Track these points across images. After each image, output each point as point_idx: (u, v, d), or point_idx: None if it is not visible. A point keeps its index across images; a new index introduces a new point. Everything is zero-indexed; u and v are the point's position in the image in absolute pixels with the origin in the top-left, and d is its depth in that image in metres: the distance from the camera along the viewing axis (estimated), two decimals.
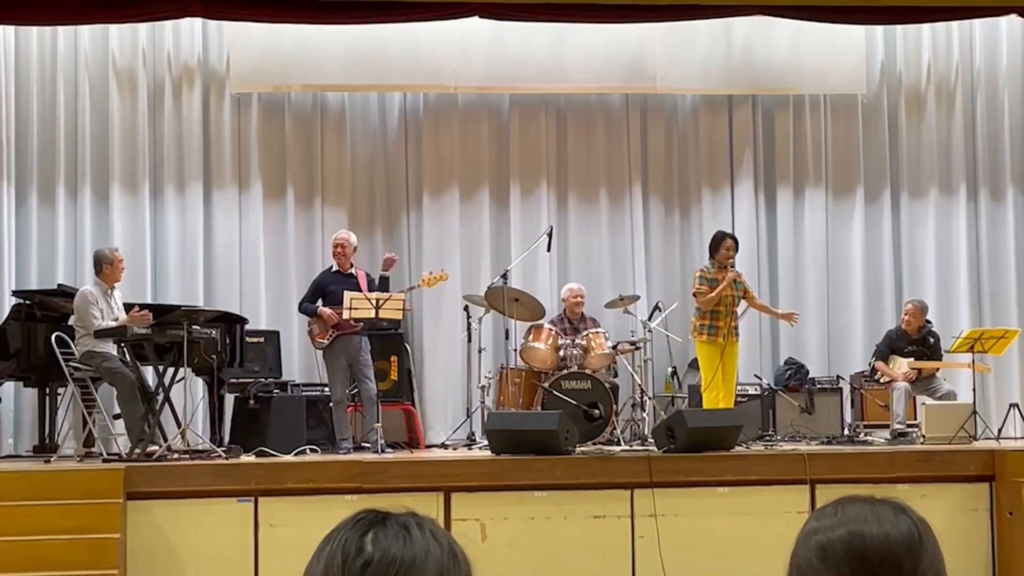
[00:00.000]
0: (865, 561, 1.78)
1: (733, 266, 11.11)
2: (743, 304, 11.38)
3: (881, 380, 11.95)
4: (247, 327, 11.77)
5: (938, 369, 11.93)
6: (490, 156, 13.31)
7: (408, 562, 1.68)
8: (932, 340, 11.96)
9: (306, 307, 11.21)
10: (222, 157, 12.91)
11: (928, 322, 12.16)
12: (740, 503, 9.65)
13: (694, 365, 12.76)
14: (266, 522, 9.28)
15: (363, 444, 11.16)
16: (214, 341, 10.70)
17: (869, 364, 12.32)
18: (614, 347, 11.83)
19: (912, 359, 11.75)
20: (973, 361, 11.44)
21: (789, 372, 12.82)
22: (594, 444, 10.84)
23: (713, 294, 10.83)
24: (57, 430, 11.28)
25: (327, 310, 10.90)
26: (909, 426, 11.42)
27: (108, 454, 10.51)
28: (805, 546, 1.84)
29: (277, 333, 12.43)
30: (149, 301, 12.05)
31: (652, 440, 10.49)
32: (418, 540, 1.71)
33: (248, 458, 10.22)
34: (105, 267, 10.60)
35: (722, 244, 11.11)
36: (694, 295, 11.02)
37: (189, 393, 10.54)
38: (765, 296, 13.28)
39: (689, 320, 11.43)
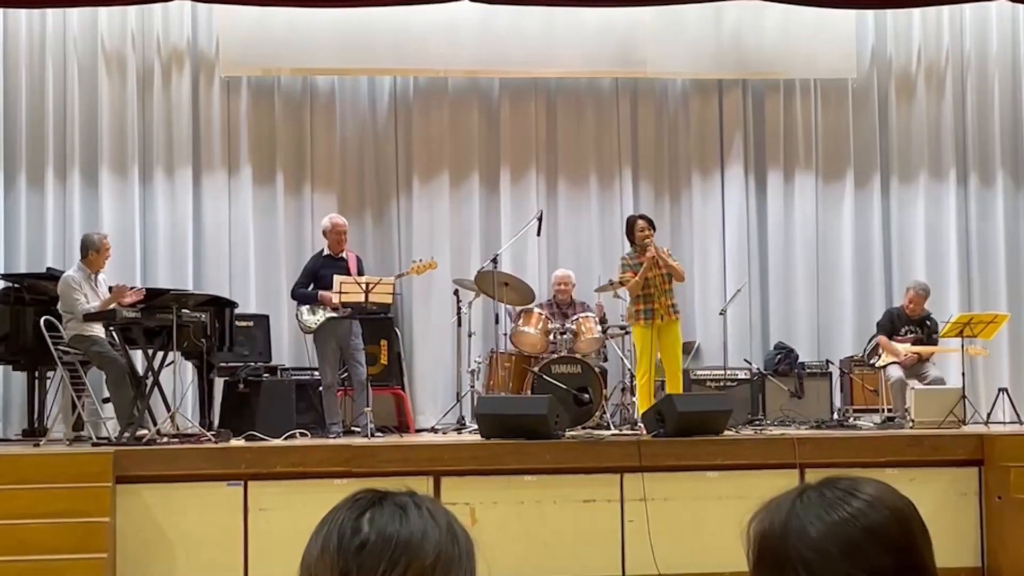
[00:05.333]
0: (878, 538, 1.77)
1: (650, 246, 10.87)
2: (732, 288, 11.35)
3: (877, 364, 11.82)
4: (236, 311, 11.74)
5: (933, 353, 11.90)
6: (480, 140, 13.29)
7: (404, 543, 1.67)
8: (929, 324, 11.91)
9: (302, 293, 11.04)
10: (211, 141, 12.88)
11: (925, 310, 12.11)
12: (729, 487, 9.65)
13: (685, 349, 12.78)
14: (255, 506, 9.28)
15: (353, 428, 11.13)
16: (203, 325, 10.68)
17: (870, 340, 12.17)
18: (604, 331, 11.83)
19: (910, 344, 11.72)
20: (963, 346, 11.45)
21: (779, 356, 12.83)
22: (584, 428, 10.84)
23: (637, 278, 10.68)
24: (46, 414, 11.28)
25: (327, 294, 10.79)
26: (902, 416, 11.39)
27: (97, 438, 10.50)
28: (800, 530, 1.81)
29: (267, 317, 12.42)
30: (138, 285, 12.04)
31: (641, 424, 10.50)
32: (415, 520, 1.70)
33: (238, 442, 10.21)
34: (91, 253, 10.56)
35: (635, 227, 10.95)
36: (620, 283, 10.86)
37: (178, 377, 10.51)
38: (755, 279, 13.32)
39: (626, 309, 11.26)
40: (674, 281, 10.90)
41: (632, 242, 11.02)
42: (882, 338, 11.86)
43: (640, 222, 11.00)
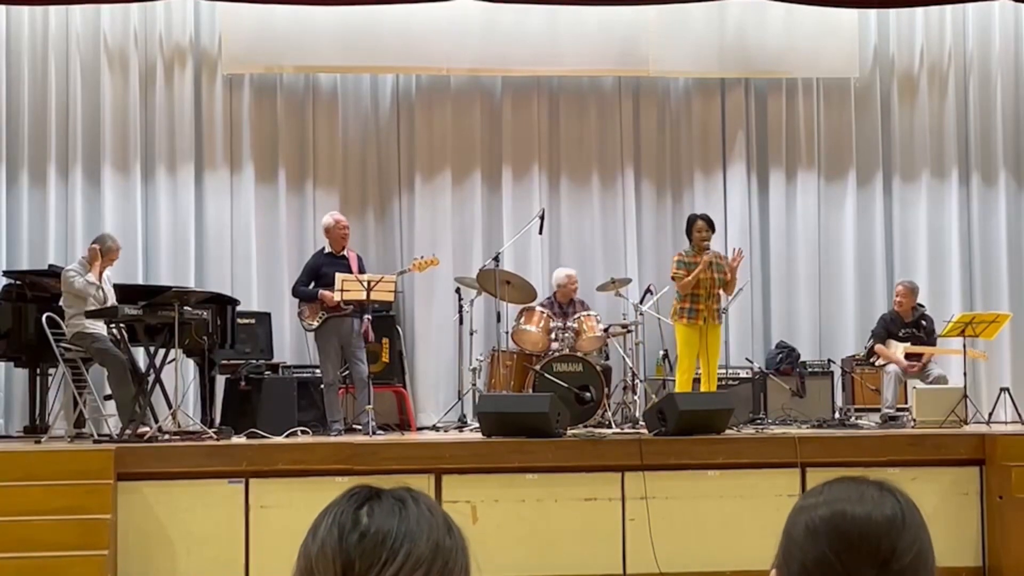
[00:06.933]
0: (846, 539, 1.83)
1: (708, 248, 10.99)
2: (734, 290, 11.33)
3: (877, 364, 11.89)
4: (238, 308, 11.75)
5: (933, 355, 11.92)
6: (482, 138, 13.30)
7: (403, 535, 1.68)
8: (925, 324, 11.93)
9: (303, 291, 11.04)
10: (214, 138, 12.89)
11: (920, 306, 12.14)
12: (730, 486, 9.66)
13: None
14: (257, 503, 9.28)
15: (354, 426, 11.12)
16: (205, 322, 10.69)
17: (865, 347, 12.25)
18: (605, 330, 11.83)
19: (908, 343, 11.72)
20: (964, 346, 11.46)
21: (780, 355, 12.83)
22: (585, 427, 10.84)
23: (689, 278, 10.67)
24: (48, 411, 11.28)
25: (328, 292, 10.79)
26: (899, 410, 11.43)
27: (99, 435, 10.52)
28: (794, 524, 1.88)
29: (268, 315, 12.42)
30: (140, 282, 12.06)
31: (643, 423, 10.50)
32: (413, 514, 1.71)
33: (239, 439, 10.21)
34: (92, 256, 10.54)
35: (693, 226, 10.93)
36: (672, 279, 10.88)
37: (180, 374, 10.52)
38: (756, 278, 13.32)
39: (671, 304, 11.30)
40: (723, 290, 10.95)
41: (690, 240, 10.98)
42: (878, 347, 11.85)
43: (699, 223, 10.95)
